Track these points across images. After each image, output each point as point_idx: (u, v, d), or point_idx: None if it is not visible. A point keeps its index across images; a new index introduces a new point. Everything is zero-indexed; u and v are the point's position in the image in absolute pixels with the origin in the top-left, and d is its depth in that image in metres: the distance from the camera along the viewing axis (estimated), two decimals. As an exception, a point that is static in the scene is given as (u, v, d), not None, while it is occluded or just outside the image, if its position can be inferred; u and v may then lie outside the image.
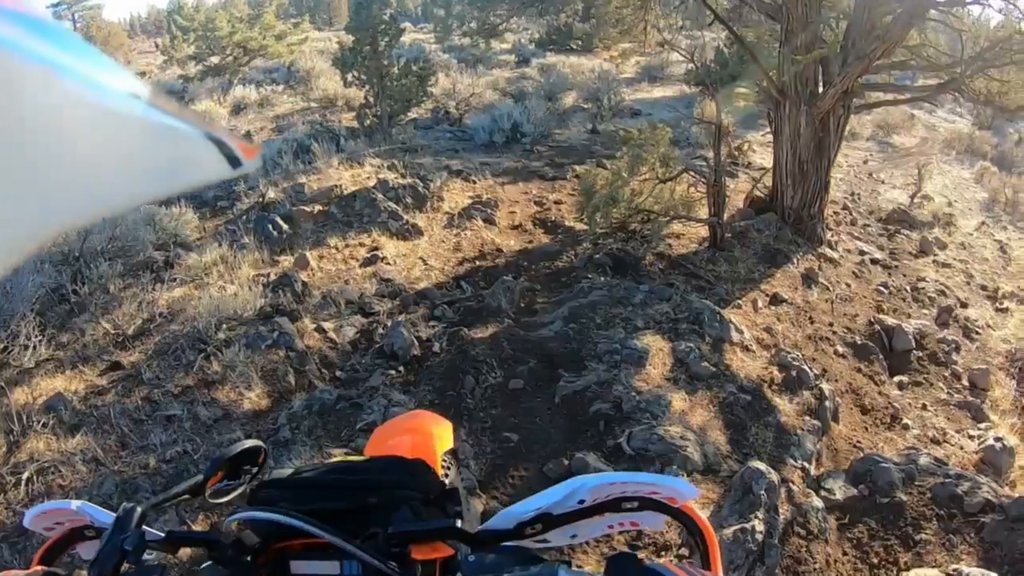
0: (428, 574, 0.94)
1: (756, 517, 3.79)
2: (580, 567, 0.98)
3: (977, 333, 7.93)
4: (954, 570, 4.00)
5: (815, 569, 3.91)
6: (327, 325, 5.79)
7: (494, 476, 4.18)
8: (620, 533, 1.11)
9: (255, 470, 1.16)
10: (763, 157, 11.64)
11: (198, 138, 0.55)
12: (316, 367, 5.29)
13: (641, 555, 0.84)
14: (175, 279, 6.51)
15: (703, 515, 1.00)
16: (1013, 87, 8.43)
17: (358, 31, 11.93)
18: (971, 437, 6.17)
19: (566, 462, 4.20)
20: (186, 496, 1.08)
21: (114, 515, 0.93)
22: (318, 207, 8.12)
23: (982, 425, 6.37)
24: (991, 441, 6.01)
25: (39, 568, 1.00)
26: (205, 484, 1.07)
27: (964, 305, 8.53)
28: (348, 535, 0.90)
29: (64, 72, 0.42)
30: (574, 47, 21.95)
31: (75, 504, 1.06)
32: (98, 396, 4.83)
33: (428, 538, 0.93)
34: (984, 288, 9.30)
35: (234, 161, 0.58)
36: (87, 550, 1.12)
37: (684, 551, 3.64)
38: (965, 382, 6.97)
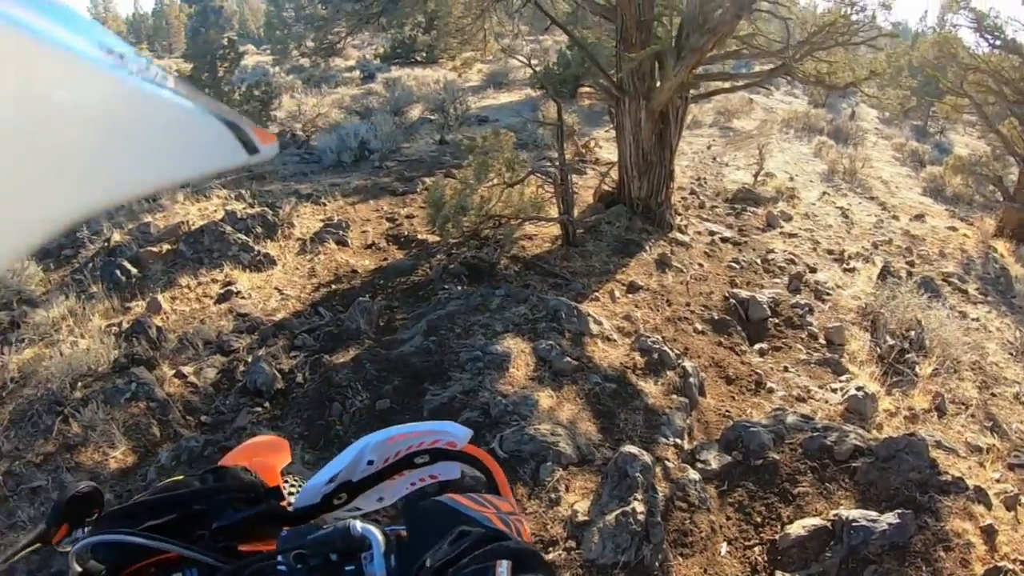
0: None
1: (635, 499, 3.80)
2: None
3: (828, 294, 8.37)
4: (834, 515, 4.11)
5: (702, 538, 3.94)
6: (186, 369, 5.57)
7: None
8: (423, 487, 1.19)
9: (96, 515, 1.14)
10: (610, 152, 12.00)
11: (213, 122, 0.52)
12: (180, 414, 5.06)
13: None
14: (23, 339, 6.02)
15: (482, 451, 1.12)
16: (839, 67, 9.09)
17: (196, 58, 11.44)
18: (834, 390, 6.44)
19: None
20: (32, 548, 1.06)
21: None
22: (166, 246, 7.70)
23: (843, 378, 6.66)
24: (853, 391, 6.30)
25: None
26: (49, 533, 1.05)
27: (813, 270, 9.02)
28: (181, 542, 0.96)
29: (76, 54, 0.39)
30: (418, 59, 21.91)
31: None
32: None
33: (246, 527, 0.99)
34: (831, 252, 9.89)
35: (251, 147, 0.57)
36: None
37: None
38: (822, 340, 7.31)
